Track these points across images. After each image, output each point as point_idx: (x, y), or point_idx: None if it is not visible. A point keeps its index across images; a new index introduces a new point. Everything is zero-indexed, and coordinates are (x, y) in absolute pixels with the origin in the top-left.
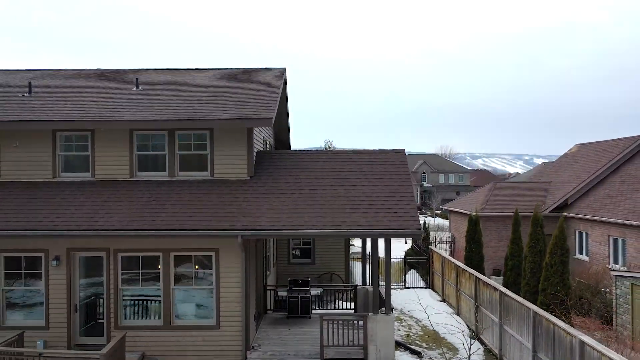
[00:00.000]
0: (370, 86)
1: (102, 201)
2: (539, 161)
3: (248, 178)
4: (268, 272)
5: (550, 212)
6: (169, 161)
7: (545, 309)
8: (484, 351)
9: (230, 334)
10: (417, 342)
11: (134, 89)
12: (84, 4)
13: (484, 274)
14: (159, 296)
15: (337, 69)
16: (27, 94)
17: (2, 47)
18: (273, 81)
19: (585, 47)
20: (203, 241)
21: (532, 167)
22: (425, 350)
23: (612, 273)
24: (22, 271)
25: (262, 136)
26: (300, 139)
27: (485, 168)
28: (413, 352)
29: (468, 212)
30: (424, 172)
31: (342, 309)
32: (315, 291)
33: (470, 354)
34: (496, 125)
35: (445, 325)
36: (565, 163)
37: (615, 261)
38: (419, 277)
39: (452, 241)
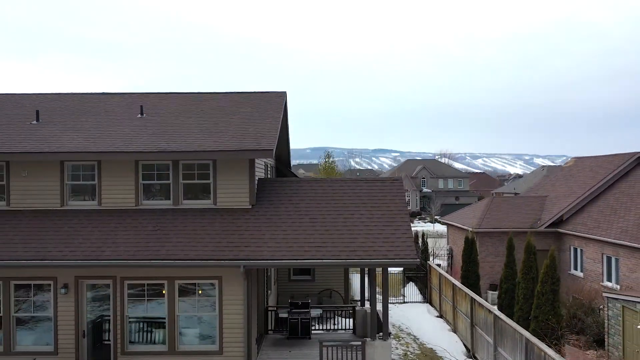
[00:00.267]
0: (370, 86)
1: (109, 230)
2: (539, 161)
3: (250, 206)
4: (269, 291)
5: (545, 228)
6: (173, 190)
7: (537, 336)
8: None
9: (233, 359)
10: None
11: (139, 116)
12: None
13: (480, 293)
14: (164, 322)
15: (337, 69)
16: (35, 122)
17: (2, 47)
18: (274, 108)
19: (586, 47)
20: (207, 270)
21: (532, 167)
22: None
23: (604, 294)
24: (32, 298)
25: (263, 160)
26: (301, 139)
27: (486, 168)
28: None
29: (465, 228)
30: (423, 178)
31: (341, 329)
32: (315, 312)
33: None
34: (496, 125)
35: (442, 344)
36: (561, 177)
37: (609, 279)
38: (417, 290)
39: (450, 254)
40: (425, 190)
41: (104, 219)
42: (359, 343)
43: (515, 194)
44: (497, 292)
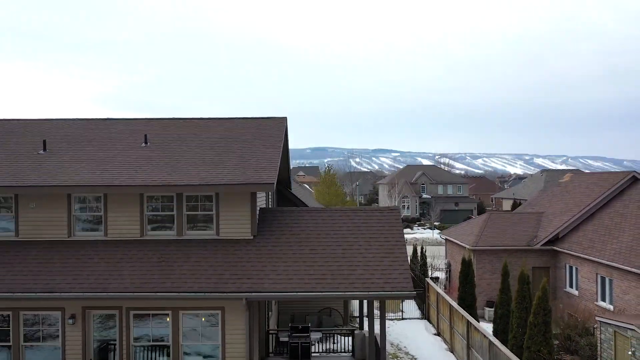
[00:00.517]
0: (371, 86)
1: (115, 262)
2: (539, 161)
3: (252, 237)
4: (270, 312)
5: (542, 246)
6: (177, 221)
7: None
8: None
9: None
10: None
11: (143, 145)
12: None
13: (476, 313)
14: (169, 350)
15: (337, 69)
16: (42, 151)
17: (2, 47)
18: (274, 136)
19: (586, 47)
20: (210, 301)
21: (532, 167)
22: None
23: (597, 318)
24: (40, 327)
25: None
26: (301, 139)
27: (486, 168)
28: None
29: (463, 245)
30: (422, 184)
31: (341, 351)
32: (315, 336)
33: None
34: (496, 125)
35: None
36: (558, 192)
37: (603, 299)
38: (416, 305)
39: (448, 268)
40: (424, 196)
41: (110, 250)
42: None
43: (515, 199)
44: (493, 309)
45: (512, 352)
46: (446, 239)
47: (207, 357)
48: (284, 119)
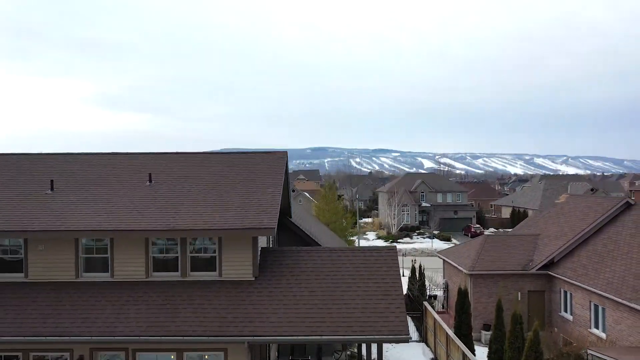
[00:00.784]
0: (371, 85)
1: (121, 304)
2: (539, 161)
3: (253, 279)
4: (271, 344)
5: (537, 270)
6: (181, 263)
7: None
8: None
9: None
10: None
11: (147, 183)
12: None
13: (472, 344)
14: None
15: (337, 69)
16: (49, 191)
17: (3, 47)
18: (275, 174)
19: (586, 46)
20: (213, 344)
21: (532, 167)
22: None
23: (589, 351)
24: None
25: None
26: (301, 139)
27: (486, 168)
28: None
29: (460, 268)
30: (422, 192)
31: None
32: None
33: None
34: (496, 125)
35: None
36: (554, 214)
37: (596, 326)
38: (414, 327)
39: (446, 288)
40: (424, 204)
41: (116, 291)
42: None
43: (514, 207)
44: (490, 333)
45: None
46: (444, 261)
47: None
48: (285, 154)
